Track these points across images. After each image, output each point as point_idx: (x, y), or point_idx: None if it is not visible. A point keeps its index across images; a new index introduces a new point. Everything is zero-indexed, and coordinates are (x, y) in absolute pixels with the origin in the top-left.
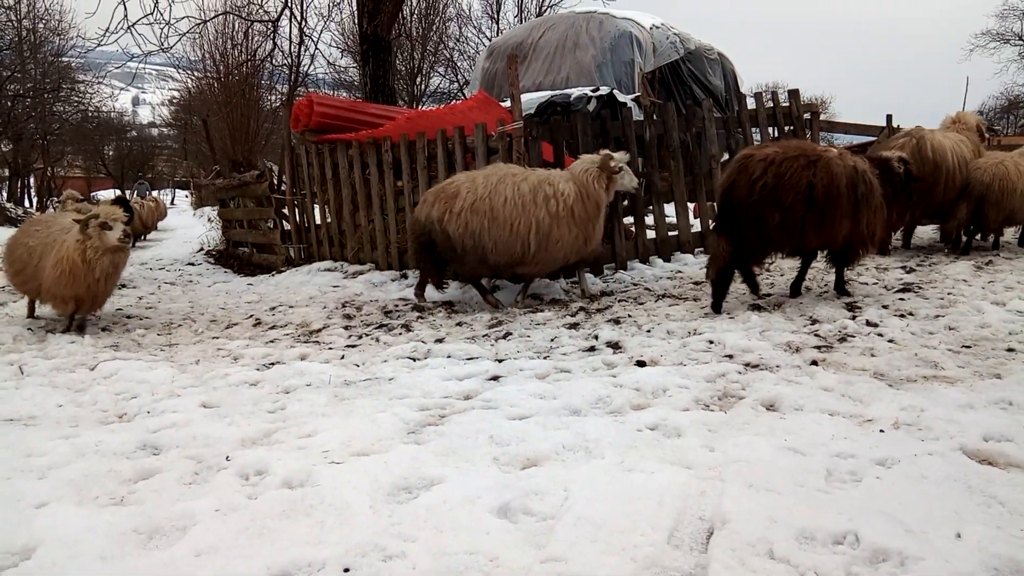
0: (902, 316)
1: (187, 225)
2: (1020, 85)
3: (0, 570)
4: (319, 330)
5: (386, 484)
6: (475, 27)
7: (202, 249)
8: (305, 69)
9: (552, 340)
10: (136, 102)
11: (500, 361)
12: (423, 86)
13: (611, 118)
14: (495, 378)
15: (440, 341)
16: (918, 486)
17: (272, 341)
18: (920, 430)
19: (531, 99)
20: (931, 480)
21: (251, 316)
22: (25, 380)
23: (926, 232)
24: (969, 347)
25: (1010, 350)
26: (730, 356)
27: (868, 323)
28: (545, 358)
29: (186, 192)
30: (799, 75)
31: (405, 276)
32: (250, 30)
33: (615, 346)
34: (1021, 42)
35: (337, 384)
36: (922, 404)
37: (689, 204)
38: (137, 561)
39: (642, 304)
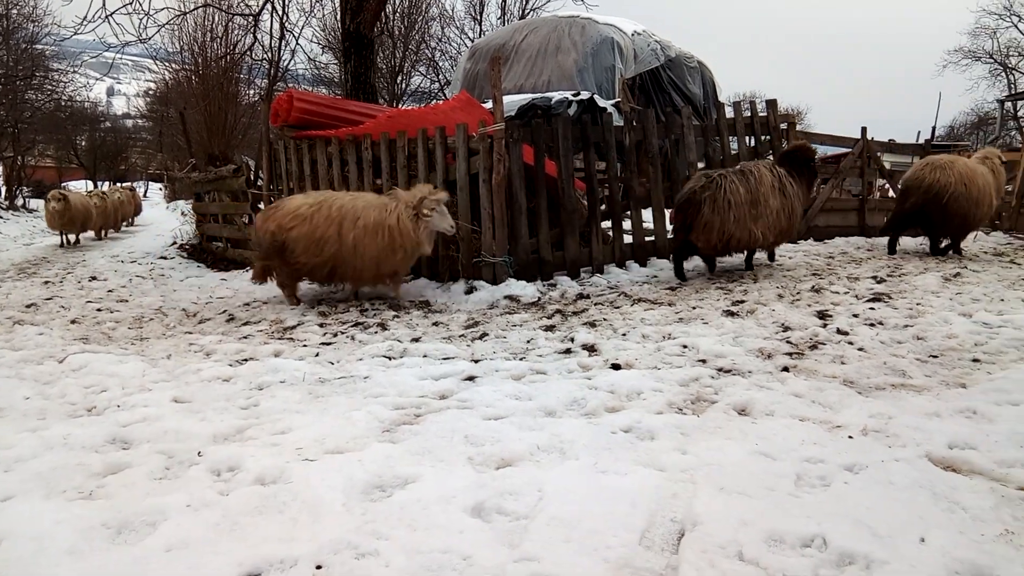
0: (872, 325)
1: (160, 218)
2: (989, 102)
3: None
4: (293, 327)
5: (360, 482)
6: (457, 27)
7: (175, 243)
8: (285, 64)
9: (528, 342)
10: (111, 92)
11: (476, 361)
12: (404, 85)
13: (592, 123)
14: (471, 378)
15: (416, 340)
16: (885, 491)
17: (245, 337)
18: (888, 437)
19: (512, 101)
20: (897, 486)
21: (224, 311)
22: None
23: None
24: (936, 357)
25: (975, 360)
26: (703, 361)
27: (839, 331)
28: (521, 359)
29: (160, 185)
30: (776, 85)
31: None
32: (230, 23)
33: (591, 349)
34: (991, 60)
35: (312, 382)
36: (890, 411)
37: (666, 210)
38: (106, 556)
39: (618, 308)
